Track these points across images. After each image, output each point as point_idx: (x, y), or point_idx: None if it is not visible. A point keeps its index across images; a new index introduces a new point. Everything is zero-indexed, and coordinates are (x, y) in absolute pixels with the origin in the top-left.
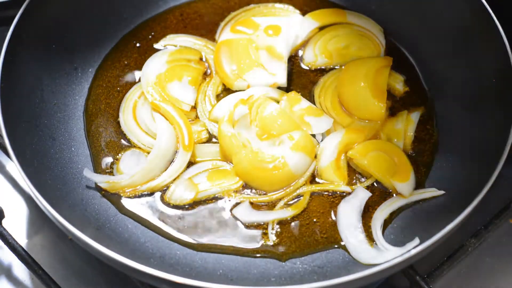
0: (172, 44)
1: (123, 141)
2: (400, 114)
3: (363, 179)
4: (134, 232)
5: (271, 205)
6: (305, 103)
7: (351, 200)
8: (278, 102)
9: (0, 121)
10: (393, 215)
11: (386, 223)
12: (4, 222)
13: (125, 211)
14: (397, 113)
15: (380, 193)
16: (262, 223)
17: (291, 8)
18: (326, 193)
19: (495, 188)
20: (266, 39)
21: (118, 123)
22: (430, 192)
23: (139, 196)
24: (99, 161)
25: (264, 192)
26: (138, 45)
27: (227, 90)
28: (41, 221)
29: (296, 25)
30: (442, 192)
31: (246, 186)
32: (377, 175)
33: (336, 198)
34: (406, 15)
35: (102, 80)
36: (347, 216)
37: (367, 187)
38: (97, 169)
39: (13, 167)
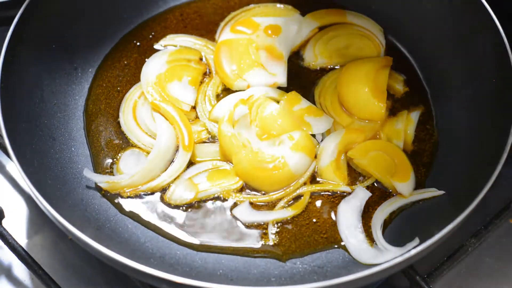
0: (172, 44)
1: (123, 141)
2: (400, 114)
3: (363, 179)
4: (134, 232)
5: (271, 205)
6: (305, 103)
7: (351, 200)
8: (278, 102)
9: (0, 121)
10: (393, 215)
11: (386, 223)
12: (4, 222)
13: (125, 211)
14: (397, 113)
15: (380, 193)
16: (262, 223)
17: (291, 8)
18: (326, 193)
19: (495, 188)
20: (266, 39)
21: (118, 123)
22: (430, 192)
23: (139, 196)
24: (99, 161)
25: (264, 192)
26: (138, 45)
27: (227, 90)
28: (41, 221)
29: (296, 25)
30: (442, 192)
31: (246, 186)
32: (377, 175)
33: (336, 198)
34: (406, 15)
35: (102, 80)
36: (347, 216)
37: (367, 187)
38: (97, 169)
39: (13, 167)
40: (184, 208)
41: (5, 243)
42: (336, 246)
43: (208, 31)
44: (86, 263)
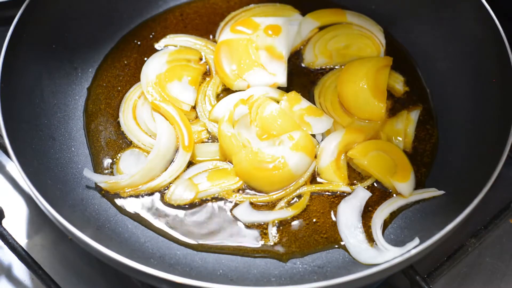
0: (172, 44)
1: (123, 141)
2: (400, 114)
3: (363, 179)
4: (134, 232)
5: (271, 205)
6: (305, 103)
7: (351, 200)
8: (278, 102)
9: (0, 121)
10: (393, 215)
11: (386, 223)
12: (4, 222)
13: (125, 211)
14: (397, 113)
15: (380, 193)
16: (262, 223)
17: (291, 8)
18: (326, 193)
19: (495, 188)
20: (266, 39)
21: (118, 123)
22: (430, 192)
23: (139, 196)
24: (99, 161)
25: (264, 192)
26: (138, 45)
27: (227, 90)
28: (41, 221)
29: (296, 25)
30: (442, 192)
31: (246, 186)
32: (377, 175)
33: (336, 198)
34: (406, 15)
35: (102, 80)
36: (347, 216)
37: (367, 187)
38: (97, 169)
39: (13, 167)
40: (184, 208)
41: (5, 243)
42: (336, 246)
43: (208, 31)
44: (86, 263)
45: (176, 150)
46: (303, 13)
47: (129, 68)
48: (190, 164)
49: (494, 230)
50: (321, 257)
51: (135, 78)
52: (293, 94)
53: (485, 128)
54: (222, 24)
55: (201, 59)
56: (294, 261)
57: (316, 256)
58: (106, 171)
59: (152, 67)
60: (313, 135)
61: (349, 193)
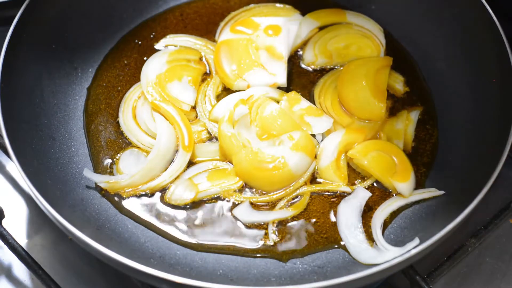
0: (172, 44)
1: (123, 141)
2: (400, 114)
3: (363, 179)
4: (134, 232)
5: (271, 205)
6: (305, 103)
7: (351, 200)
8: (278, 102)
9: (0, 121)
10: (393, 215)
11: (386, 223)
12: (4, 222)
13: (125, 211)
14: (397, 113)
15: (380, 193)
16: (262, 223)
17: (291, 8)
18: (326, 193)
19: (495, 188)
20: (266, 39)
21: (118, 123)
22: (430, 192)
23: (139, 196)
24: (99, 161)
25: (264, 192)
26: (138, 45)
27: (227, 90)
28: (41, 221)
29: (296, 25)
30: (442, 192)
31: (246, 186)
32: (377, 175)
33: (336, 198)
34: (406, 15)
35: (102, 80)
36: (347, 216)
37: (367, 187)
38: (97, 169)
39: (13, 167)
40: (184, 208)
41: (5, 243)
42: (336, 246)
43: (208, 31)
44: (86, 263)
45: (176, 150)
46: (303, 13)
47: (129, 68)
48: (190, 164)
49: (494, 230)
50: (321, 257)
51: (135, 78)
52: (293, 94)
53: (485, 128)
54: (222, 24)
55: (201, 59)
56: (294, 261)
57: (316, 256)
58: (106, 171)
59: (152, 67)
60: (313, 135)
61: (349, 193)
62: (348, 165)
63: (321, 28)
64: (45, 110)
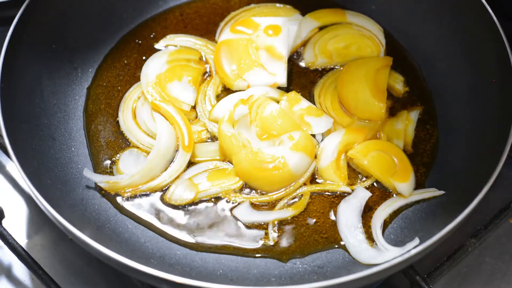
0: (172, 44)
1: (123, 141)
2: (400, 114)
3: (363, 179)
4: (134, 232)
5: (271, 205)
6: (305, 103)
7: (351, 200)
8: (278, 102)
9: (0, 121)
10: (393, 215)
11: (386, 223)
12: (4, 222)
13: (125, 211)
14: (397, 113)
15: (380, 193)
16: (262, 223)
17: (291, 8)
18: (326, 193)
19: (495, 188)
20: (266, 39)
21: (118, 123)
22: (430, 192)
23: (139, 196)
24: (99, 161)
25: (264, 192)
26: (138, 45)
27: (227, 90)
28: (41, 221)
29: (296, 25)
30: (442, 192)
31: (246, 186)
32: (377, 175)
33: (336, 198)
34: (406, 15)
35: (102, 80)
36: (347, 216)
37: (367, 187)
38: (97, 169)
39: (13, 167)
40: (184, 208)
41: (5, 243)
42: (336, 246)
43: (208, 31)
44: (86, 263)
45: (176, 150)
46: (303, 13)
47: (129, 68)
48: (190, 164)
49: (494, 230)
50: (321, 257)
51: (135, 78)
52: (293, 94)
53: (485, 128)
54: (222, 24)
55: (201, 59)
56: (294, 261)
57: (316, 256)
58: (106, 171)
59: (152, 67)
60: (313, 135)
61: (349, 193)
62: (348, 165)
63: (321, 28)
64: (45, 110)
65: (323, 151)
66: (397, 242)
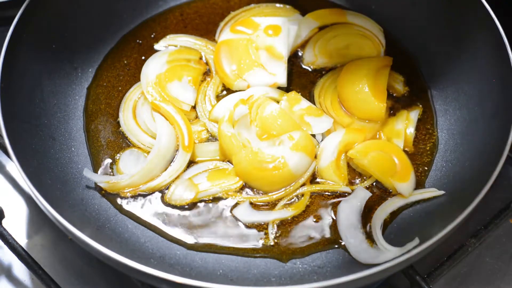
0: (172, 44)
1: (123, 141)
2: (400, 114)
3: (363, 179)
4: (134, 232)
5: (271, 205)
6: (305, 103)
7: (351, 200)
8: (278, 102)
9: (0, 121)
10: (393, 215)
11: (386, 223)
12: (4, 222)
13: (125, 211)
14: (397, 113)
15: (380, 193)
16: (262, 223)
17: (291, 8)
18: (326, 193)
19: (495, 188)
20: (266, 39)
21: (118, 123)
22: (430, 192)
23: (139, 196)
24: (99, 161)
25: (264, 192)
26: (138, 45)
27: (227, 90)
28: (41, 221)
29: (296, 25)
30: (442, 192)
31: (246, 186)
32: (377, 175)
33: (336, 198)
34: (406, 15)
35: (102, 80)
36: (347, 216)
37: (367, 187)
38: (97, 169)
39: (13, 167)
40: (184, 208)
41: (5, 243)
42: (336, 246)
43: (208, 31)
44: (86, 263)
45: (176, 150)
46: (303, 13)
47: (129, 68)
48: (190, 164)
49: (494, 230)
50: (321, 257)
51: (135, 78)
52: (293, 94)
53: (485, 128)
54: (222, 24)
55: (201, 59)
56: (294, 261)
57: (316, 256)
58: (106, 171)
59: (152, 67)
60: (313, 135)
61: (349, 193)
62: (348, 165)
63: (321, 28)
64: (45, 110)
65: (323, 151)
66: (397, 242)
